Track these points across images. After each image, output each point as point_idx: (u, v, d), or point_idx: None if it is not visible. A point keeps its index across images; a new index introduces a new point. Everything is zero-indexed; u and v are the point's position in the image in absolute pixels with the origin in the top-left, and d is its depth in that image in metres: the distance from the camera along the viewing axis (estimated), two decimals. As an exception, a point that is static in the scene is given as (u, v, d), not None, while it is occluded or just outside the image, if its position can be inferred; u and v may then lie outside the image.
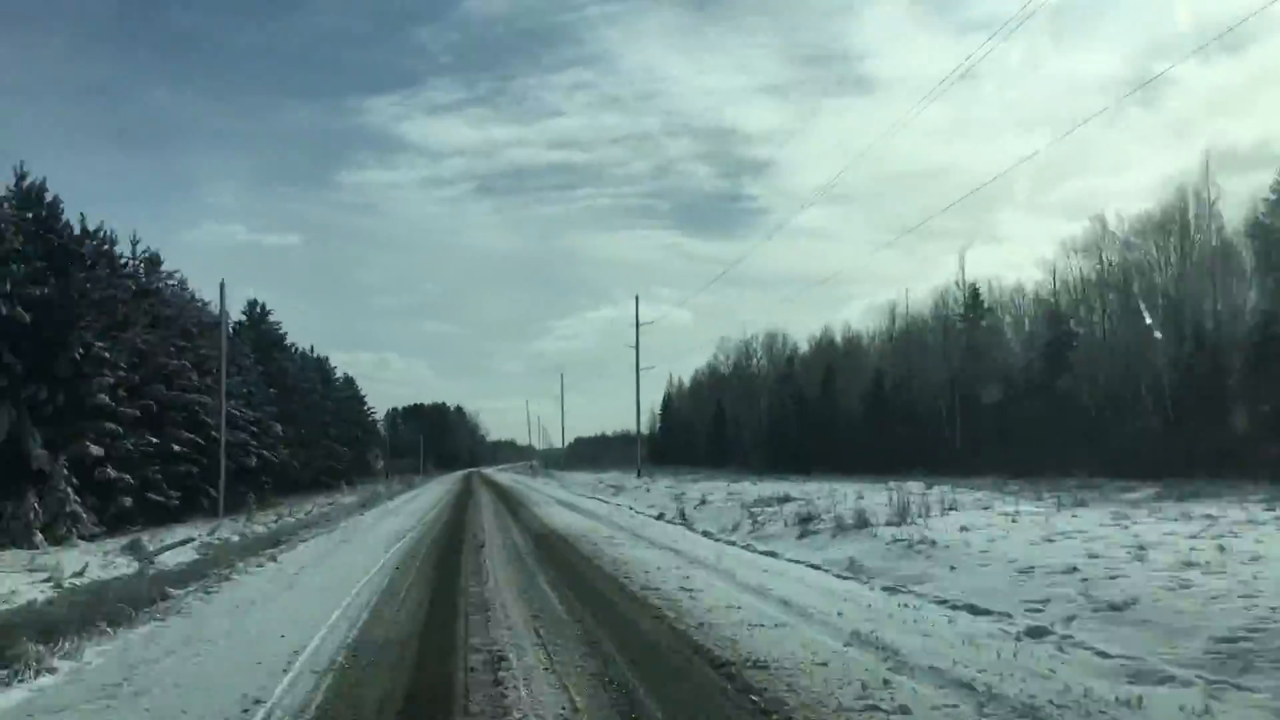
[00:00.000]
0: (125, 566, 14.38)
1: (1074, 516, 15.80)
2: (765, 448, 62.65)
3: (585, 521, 22.89)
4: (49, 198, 22.03)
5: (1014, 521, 14.98)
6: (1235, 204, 35.20)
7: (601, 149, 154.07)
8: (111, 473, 22.09)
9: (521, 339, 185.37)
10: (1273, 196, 33.81)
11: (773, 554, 14.46)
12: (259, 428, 34.43)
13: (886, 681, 6.38)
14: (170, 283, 30.47)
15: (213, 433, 27.59)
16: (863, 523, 15.29)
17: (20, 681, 6.96)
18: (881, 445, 46.36)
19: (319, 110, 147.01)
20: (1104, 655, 6.92)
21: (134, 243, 28.90)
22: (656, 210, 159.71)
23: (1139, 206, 48.23)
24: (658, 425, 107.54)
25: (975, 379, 45.21)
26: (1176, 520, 14.56)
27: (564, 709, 6.00)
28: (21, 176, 21.81)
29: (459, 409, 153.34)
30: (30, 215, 21.15)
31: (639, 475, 51.63)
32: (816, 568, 12.64)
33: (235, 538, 19.41)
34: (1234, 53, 74.92)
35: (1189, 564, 9.74)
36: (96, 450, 21.54)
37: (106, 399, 22.10)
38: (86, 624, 8.73)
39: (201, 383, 28.29)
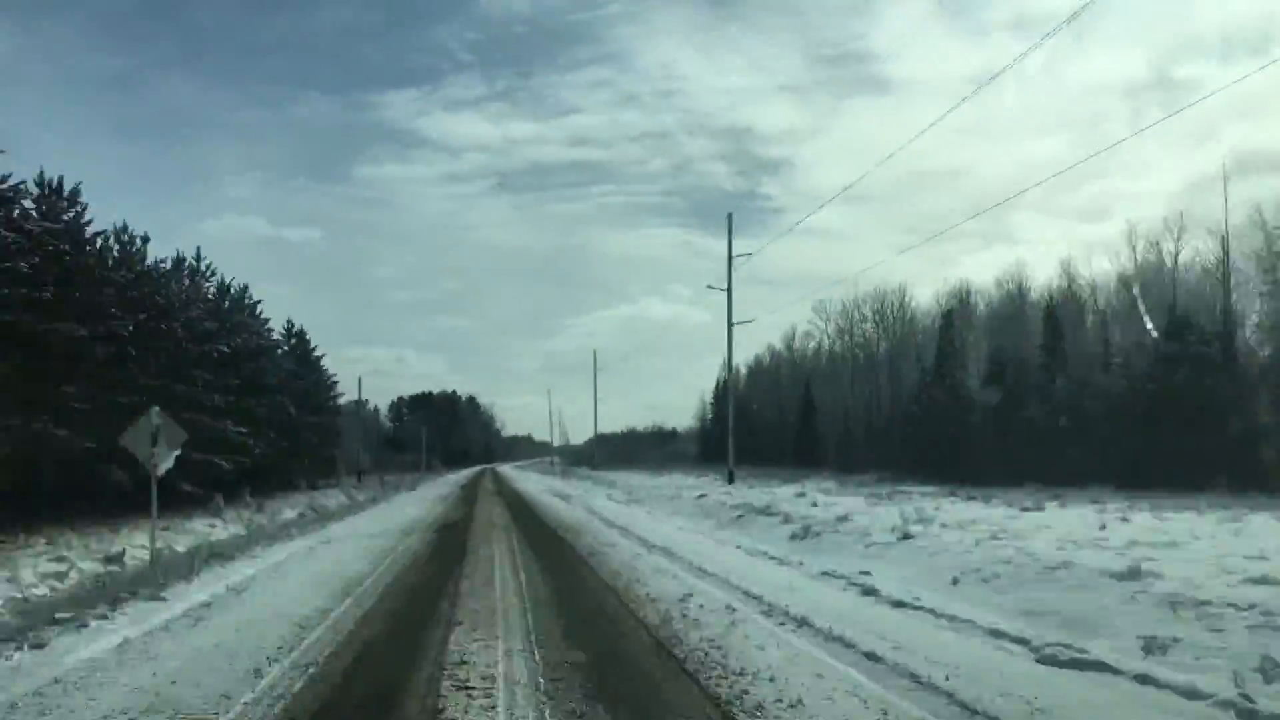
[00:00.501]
0: None
1: None
2: (881, 443, 46.33)
3: None
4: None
5: None
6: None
7: (619, 147, 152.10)
8: None
9: (537, 335, 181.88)
10: None
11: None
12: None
13: None
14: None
15: None
16: None
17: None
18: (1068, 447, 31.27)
19: (337, 105, 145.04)
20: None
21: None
22: (673, 208, 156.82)
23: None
24: (708, 416, 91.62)
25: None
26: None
27: None
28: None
29: (471, 399, 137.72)
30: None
31: (730, 481, 35.16)
32: None
33: None
34: (1257, 55, 66.12)
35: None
36: None
37: None
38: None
39: None
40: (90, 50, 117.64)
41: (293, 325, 43.28)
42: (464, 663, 7.25)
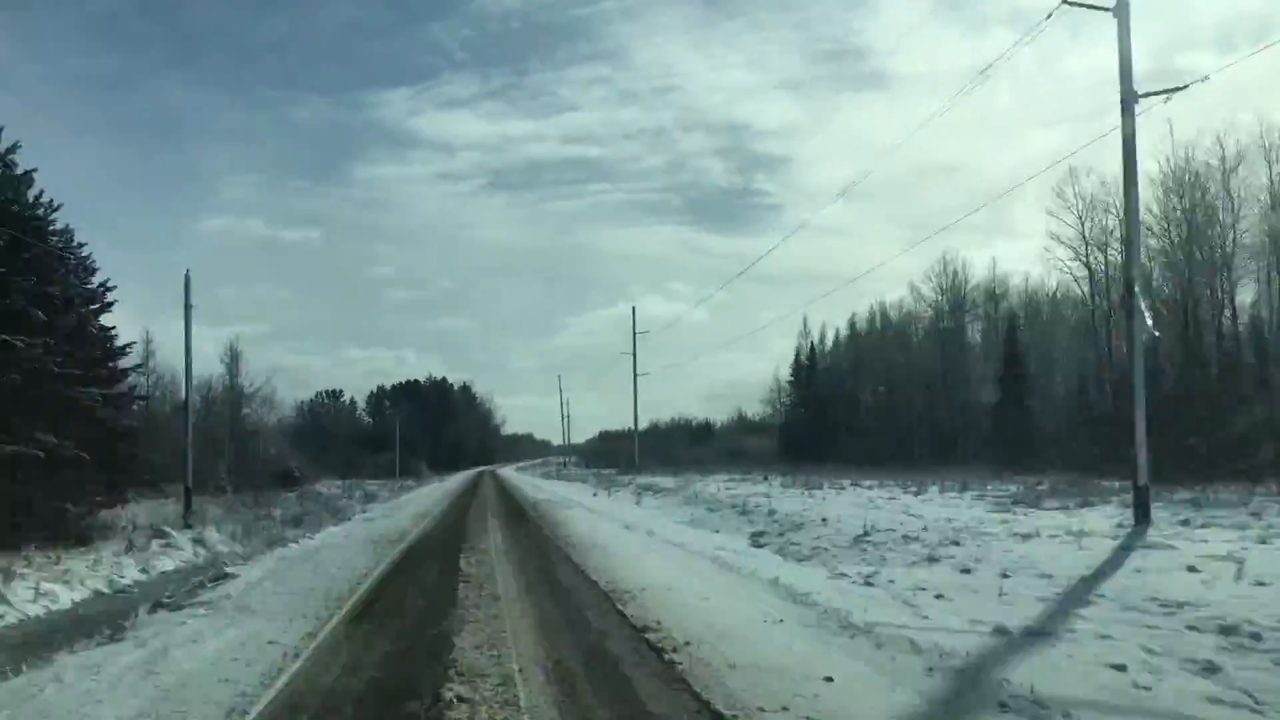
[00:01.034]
0: None
1: None
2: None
3: None
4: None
5: None
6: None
7: (616, 144, 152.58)
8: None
9: (535, 335, 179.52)
10: None
11: None
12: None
13: None
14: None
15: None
16: None
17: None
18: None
19: (332, 104, 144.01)
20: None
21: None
22: (669, 205, 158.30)
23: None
24: (783, 406, 68.94)
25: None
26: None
27: None
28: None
29: (466, 388, 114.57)
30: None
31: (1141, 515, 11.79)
32: None
33: None
34: (1258, 44, 60.96)
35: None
36: None
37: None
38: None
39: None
40: (84, 51, 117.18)
41: None
42: None
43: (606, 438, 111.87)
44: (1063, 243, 41.41)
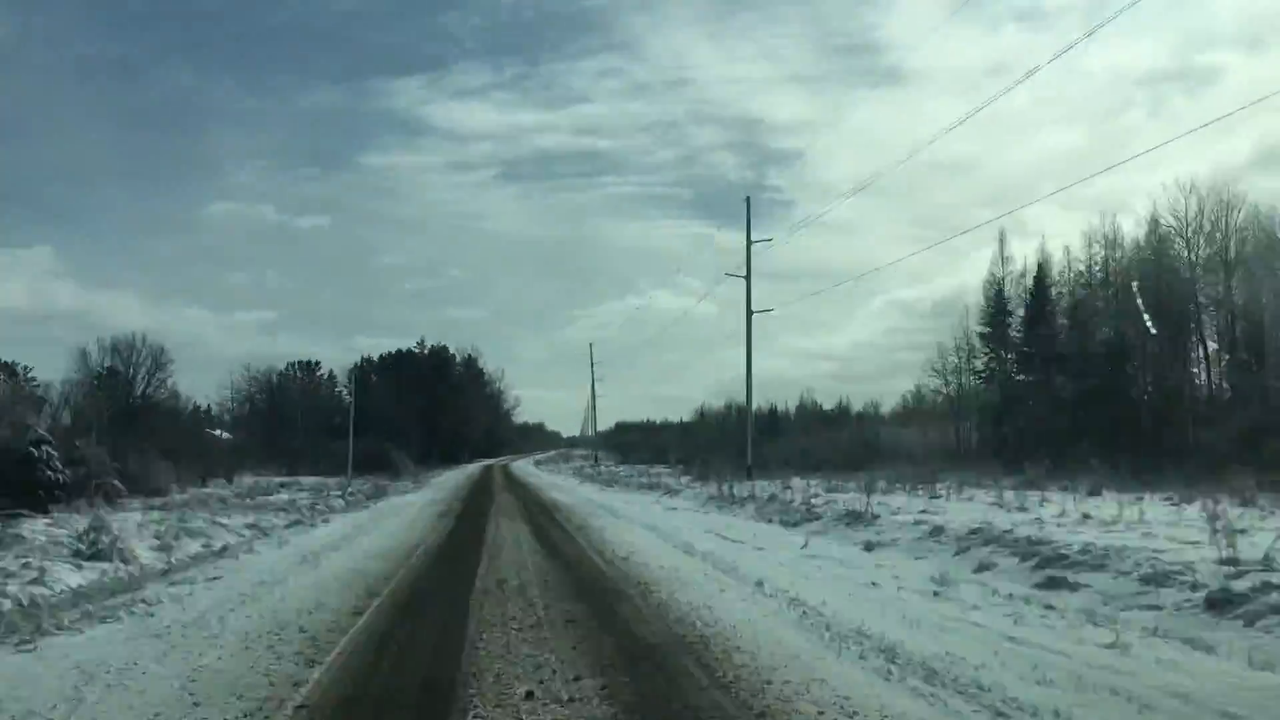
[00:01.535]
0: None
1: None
2: None
3: None
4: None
5: None
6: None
7: (627, 136, 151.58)
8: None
9: (546, 326, 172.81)
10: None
11: None
12: None
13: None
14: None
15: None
16: None
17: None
18: None
19: (343, 92, 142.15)
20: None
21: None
22: (680, 199, 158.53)
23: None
24: (978, 377, 47.56)
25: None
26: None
27: None
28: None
29: (471, 360, 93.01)
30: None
31: None
32: None
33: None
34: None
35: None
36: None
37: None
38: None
39: None
40: (93, 37, 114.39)
41: None
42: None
43: (624, 428, 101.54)
44: None
